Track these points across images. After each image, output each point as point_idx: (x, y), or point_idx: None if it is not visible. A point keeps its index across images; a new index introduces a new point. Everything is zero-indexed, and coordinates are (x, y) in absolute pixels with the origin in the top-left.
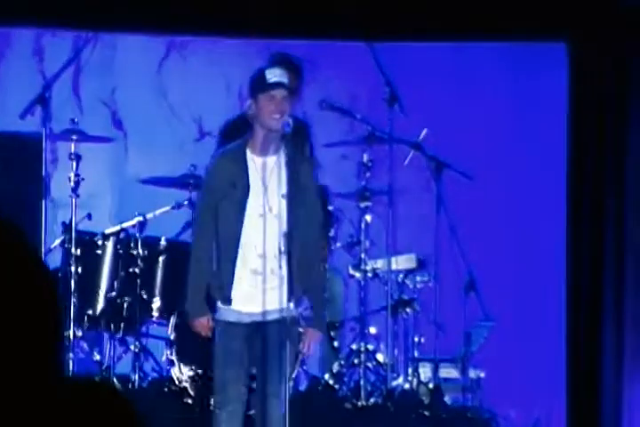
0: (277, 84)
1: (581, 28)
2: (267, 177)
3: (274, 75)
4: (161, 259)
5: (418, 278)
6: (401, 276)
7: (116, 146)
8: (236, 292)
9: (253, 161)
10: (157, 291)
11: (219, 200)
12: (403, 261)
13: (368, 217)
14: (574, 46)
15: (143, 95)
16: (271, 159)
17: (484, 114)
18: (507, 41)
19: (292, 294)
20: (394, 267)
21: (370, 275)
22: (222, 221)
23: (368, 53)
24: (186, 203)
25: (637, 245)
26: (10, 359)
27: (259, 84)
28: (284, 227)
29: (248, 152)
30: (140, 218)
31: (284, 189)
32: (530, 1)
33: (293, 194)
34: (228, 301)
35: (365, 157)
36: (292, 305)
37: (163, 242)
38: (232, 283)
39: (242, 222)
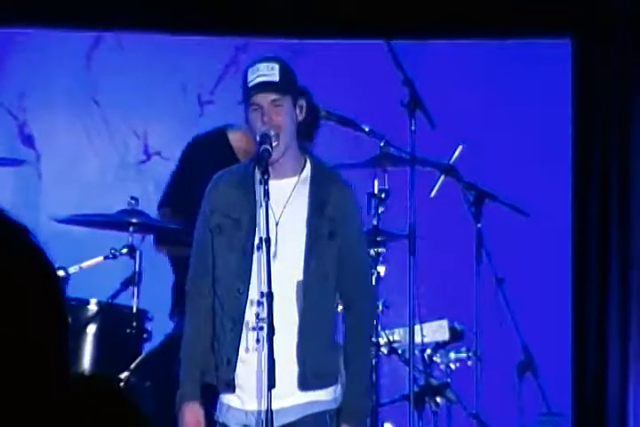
0: (263, 86)
1: (586, 24)
2: (276, 208)
3: (257, 73)
4: (90, 329)
5: (452, 355)
6: (428, 351)
7: (24, 171)
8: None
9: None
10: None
11: (218, 244)
12: (431, 331)
13: (381, 269)
14: (579, 43)
15: (64, 101)
16: (288, 182)
17: (538, 125)
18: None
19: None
20: (418, 339)
21: (384, 350)
22: (221, 271)
23: (379, 48)
24: (125, 251)
25: None
26: (14, 353)
27: (244, 90)
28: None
29: (257, 173)
30: (61, 272)
31: (301, 226)
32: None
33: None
34: (230, 386)
35: (377, 186)
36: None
37: (92, 306)
38: (236, 361)
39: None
